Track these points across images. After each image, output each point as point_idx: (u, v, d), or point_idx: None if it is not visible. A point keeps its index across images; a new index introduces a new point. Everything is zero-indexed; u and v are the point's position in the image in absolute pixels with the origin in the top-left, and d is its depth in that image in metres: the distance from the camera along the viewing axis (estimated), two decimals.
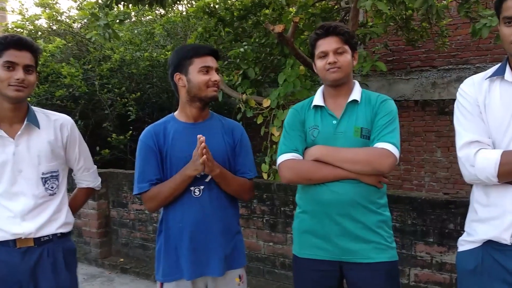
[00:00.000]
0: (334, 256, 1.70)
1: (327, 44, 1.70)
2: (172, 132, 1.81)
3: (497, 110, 1.42)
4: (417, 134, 6.19)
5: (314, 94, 1.84)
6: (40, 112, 1.80)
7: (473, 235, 1.50)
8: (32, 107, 1.80)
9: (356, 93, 1.75)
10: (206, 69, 1.77)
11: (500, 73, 1.45)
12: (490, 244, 1.44)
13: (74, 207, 1.94)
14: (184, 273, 1.78)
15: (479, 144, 1.42)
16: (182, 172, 1.74)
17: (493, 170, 1.36)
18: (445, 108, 5.89)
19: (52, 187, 1.78)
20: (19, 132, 1.71)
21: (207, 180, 1.78)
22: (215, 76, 1.78)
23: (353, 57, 1.75)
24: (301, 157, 1.74)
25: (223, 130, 1.86)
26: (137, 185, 1.81)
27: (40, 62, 5.26)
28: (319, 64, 1.73)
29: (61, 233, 1.79)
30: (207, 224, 1.77)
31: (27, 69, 1.67)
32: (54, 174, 1.79)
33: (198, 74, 1.76)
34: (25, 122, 1.72)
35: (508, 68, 1.44)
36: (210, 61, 1.78)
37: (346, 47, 1.71)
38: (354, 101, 1.73)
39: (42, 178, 1.75)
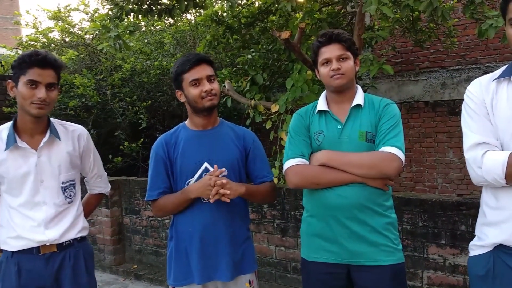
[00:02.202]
0: (342, 259, 1.71)
1: (330, 51, 1.72)
2: (183, 140, 1.86)
3: (505, 111, 1.41)
4: (428, 135, 6.14)
5: None
6: (57, 124, 1.86)
7: (483, 239, 1.48)
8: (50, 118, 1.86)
9: (359, 97, 1.77)
10: (195, 82, 1.78)
11: (507, 74, 1.44)
12: (501, 249, 1.43)
13: (87, 213, 2.00)
14: (195, 278, 1.81)
15: (486, 145, 1.41)
16: (186, 192, 1.78)
17: (500, 171, 1.35)
18: (456, 109, 5.85)
19: (70, 195, 1.84)
20: (41, 144, 1.76)
21: None
22: (206, 86, 1.77)
23: (355, 63, 1.78)
24: (307, 162, 1.76)
25: (234, 137, 1.89)
26: (148, 193, 1.89)
27: None
28: (323, 71, 1.76)
29: (80, 237, 1.86)
30: (216, 229, 1.81)
31: (49, 87, 1.70)
32: (72, 182, 1.85)
33: (190, 89, 1.79)
34: (48, 134, 1.78)
35: None
36: (197, 73, 1.78)
37: (349, 54, 1.74)
38: (358, 105, 1.76)
39: (62, 187, 1.81)
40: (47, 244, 1.75)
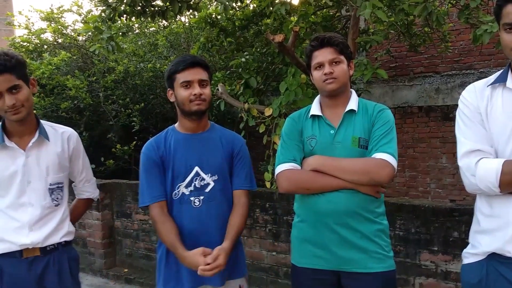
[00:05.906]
0: (333, 265, 1.69)
1: (323, 55, 1.70)
2: (173, 143, 1.82)
3: (499, 118, 1.39)
4: (422, 140, 6.15)
5: None
6: (47, 125, 1.83)
7: (477, 247, 1.46)
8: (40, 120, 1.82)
9: (353, 102, 1.75)
10: (187, 84, 1.75)
11: (502, 80, 1.42)
12: (494, 257, 1.41)
13: (74, 218, 1.97)
14: (184, 283, 1.78)
15: (480, 153, 1.39)
16: (179, 252, 1.69)
17: (494, 179, 1.33)
18: (450, 114, 5.86)
19: (57, 198, 1.81)
20: (30, 144, 1.73)
21: (207, 190, 1.79)
22: (196, 90, 1.74)
23: (349, 66, 1.76)
24: (299, 167, 1.74)
25: (223, 142, 1.86)
26: (143, 198, 1.81)
27: (45, 75, 5.39)
28: (316, 75, 1.74)
29: (65, 241, 1.82)
30: (206, 234, 1.77)
31: (12, 90, 1.62)
32: (60, 185, 1.82)
33: (180, 90, 1.76)
34: (37, 134, 1.75)
35: (510, 74, 1.41)
36: (190, 75, 1.74)
37: (342, 57, 1.71)
38: (352, 110, 1.73)
39: (49, 189, 1.78)
40: (30, 247, 1.72)
